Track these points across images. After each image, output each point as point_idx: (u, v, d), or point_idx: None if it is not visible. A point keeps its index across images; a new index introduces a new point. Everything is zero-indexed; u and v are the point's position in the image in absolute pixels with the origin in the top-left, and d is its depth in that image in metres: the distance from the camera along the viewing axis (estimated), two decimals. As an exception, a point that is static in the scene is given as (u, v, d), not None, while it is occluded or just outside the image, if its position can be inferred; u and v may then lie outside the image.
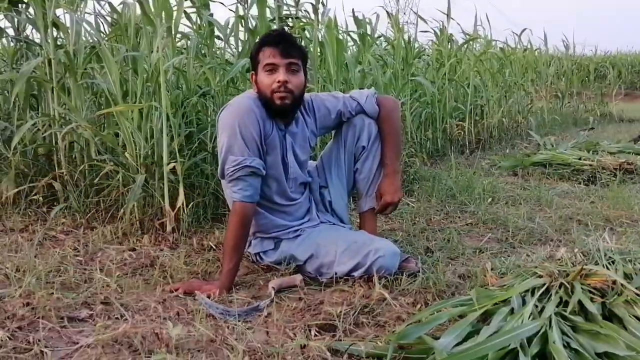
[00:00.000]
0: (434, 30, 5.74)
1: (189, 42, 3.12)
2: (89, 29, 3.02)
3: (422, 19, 5.23)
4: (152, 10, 2.61)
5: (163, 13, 2.58)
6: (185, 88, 2.99)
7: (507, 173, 4.31)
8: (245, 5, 3.25)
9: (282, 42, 2.04)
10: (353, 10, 4.42)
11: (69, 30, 2.92)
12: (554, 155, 4.41)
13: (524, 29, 7.50)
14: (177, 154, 2.61)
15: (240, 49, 3.34)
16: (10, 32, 3.30)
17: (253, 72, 2.11)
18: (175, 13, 2.67)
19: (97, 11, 3.38)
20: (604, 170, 4.03)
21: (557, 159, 4.33)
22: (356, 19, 4.44)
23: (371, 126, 2.24)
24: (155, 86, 2.65)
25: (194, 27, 3.33)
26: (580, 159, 4.28)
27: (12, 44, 3.36)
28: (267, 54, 2.03)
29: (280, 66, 2.01)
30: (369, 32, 4.56)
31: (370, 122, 2.25)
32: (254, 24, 3.28)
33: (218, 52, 3.54)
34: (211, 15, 3.23)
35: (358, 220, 2.41)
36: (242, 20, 3.29)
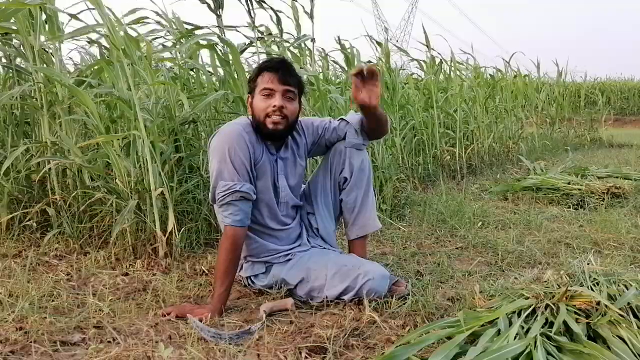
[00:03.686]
0: (418, 61, 5.87)
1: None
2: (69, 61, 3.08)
3: (404, 51, 5.34)
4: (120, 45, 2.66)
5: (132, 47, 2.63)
6: (169, 116, 3.02)
7: (497, 198, 4.35)
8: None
9: (282, 69, 2.09)
10: (338, 37, 4.52)
11: (54, 61, 2.96)
12: (543, 180, 4.46)
13: (513, 54, 7.62)
14: (163, 179, 2.63)
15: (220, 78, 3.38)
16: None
17: (249, 94, 2.16)
18: (144, 46, 2.74)
19: (76, 45, 3.45)
20: (593, 195, 4.08)
21: (546, 183, 4.38)
22: (342, 46, 4.55)
23: (354, 158, 2.26)
24: (133, 116, 2.69)
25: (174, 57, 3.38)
26: (569, 183, 4.33)
27: (3, 71, 3.42)
28: (266, 79, 2.08)
29: (277, 92, 2.07)
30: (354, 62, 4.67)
31: (354, 152, 2.26)
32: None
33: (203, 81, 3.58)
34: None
35: (347, 246, 2.44)
36: (215, 53, 3.33)
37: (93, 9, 2.61)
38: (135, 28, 3.15)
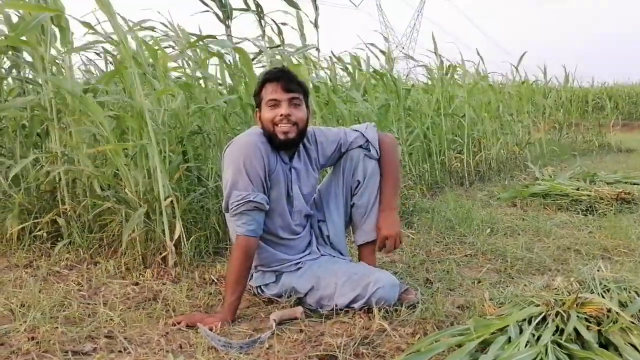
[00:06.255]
0: (424, 67, 5.90)
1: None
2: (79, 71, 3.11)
3: (410, 57, 5.39)
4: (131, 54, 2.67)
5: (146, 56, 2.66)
6: (179, 126, 3.04)
7: (506, 204, 4.33)
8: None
9: (283, 77, 2.11)
10: (332, 52, 4.62)
11: (64, 72, 2.99)
12: (552, 186, 4.43)
13: (523, 54, 7.59)
14: (171, 189, 2.64)
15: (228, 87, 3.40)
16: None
17: (257, 109, 2.18)
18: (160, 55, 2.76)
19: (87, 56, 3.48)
20: (602, 200, 4.05)
21: (555, 189, 4.36)
22: (339, 59, 4.61)
23: (367, 161, 2.28)
24: (141, 125, 2.71)
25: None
26: (578, 189, 4.30)
27: (16, 82, 3.45)
28: (270, 90, 2.10)
29: (283, 101, 2.08)
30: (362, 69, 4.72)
31: (367, 158, 2.28)
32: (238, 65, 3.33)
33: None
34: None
35: (357, 253, 2.44)
36: (225, 64, 3.34)
37: (105, 21, 2.63)
38: (142, 38, 3.17)
